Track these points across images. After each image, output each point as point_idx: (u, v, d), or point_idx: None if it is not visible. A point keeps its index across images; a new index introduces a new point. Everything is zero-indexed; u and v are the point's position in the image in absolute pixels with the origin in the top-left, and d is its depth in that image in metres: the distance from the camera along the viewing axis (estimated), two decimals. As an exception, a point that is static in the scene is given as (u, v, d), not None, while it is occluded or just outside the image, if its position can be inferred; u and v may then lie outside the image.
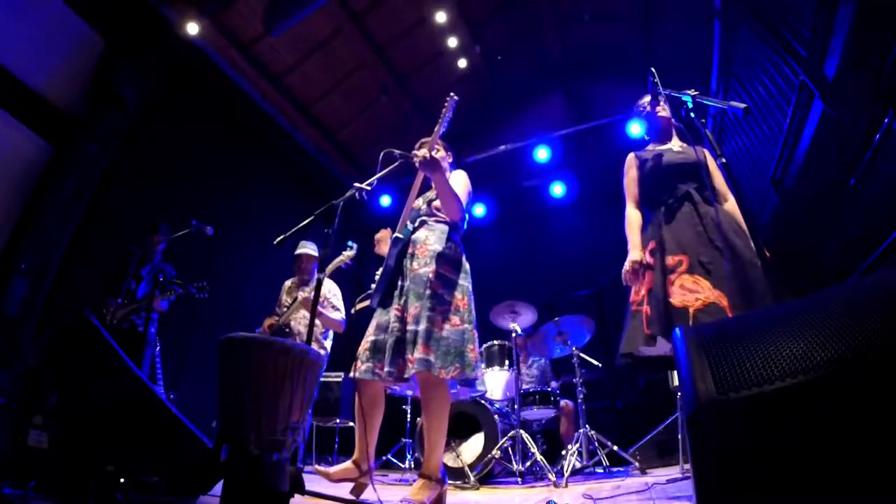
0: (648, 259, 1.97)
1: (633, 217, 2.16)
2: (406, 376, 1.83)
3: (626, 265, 1.99)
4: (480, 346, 3.71)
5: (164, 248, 3.74)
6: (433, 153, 2.00)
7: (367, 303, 2.14)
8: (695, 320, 1.70)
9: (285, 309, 3.59)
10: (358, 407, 1.95)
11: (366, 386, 1.95)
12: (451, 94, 2.05)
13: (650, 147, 2.31)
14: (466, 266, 2.08)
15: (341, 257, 3.17)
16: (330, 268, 3.14)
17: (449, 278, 1.98)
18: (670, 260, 1.88)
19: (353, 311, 3.35)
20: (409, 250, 2.06)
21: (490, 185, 6.55)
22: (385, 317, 1.98)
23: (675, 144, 2.23)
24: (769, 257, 1.88)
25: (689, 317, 1.72)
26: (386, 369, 1.86)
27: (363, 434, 1.95)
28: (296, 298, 3.49)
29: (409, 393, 3.92)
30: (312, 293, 3.15)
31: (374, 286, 2.08)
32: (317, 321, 3.40)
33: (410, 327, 1.87)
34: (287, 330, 3.53)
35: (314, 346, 3.44)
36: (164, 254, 3.75)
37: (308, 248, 3.79)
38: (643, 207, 2.18)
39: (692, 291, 1.77)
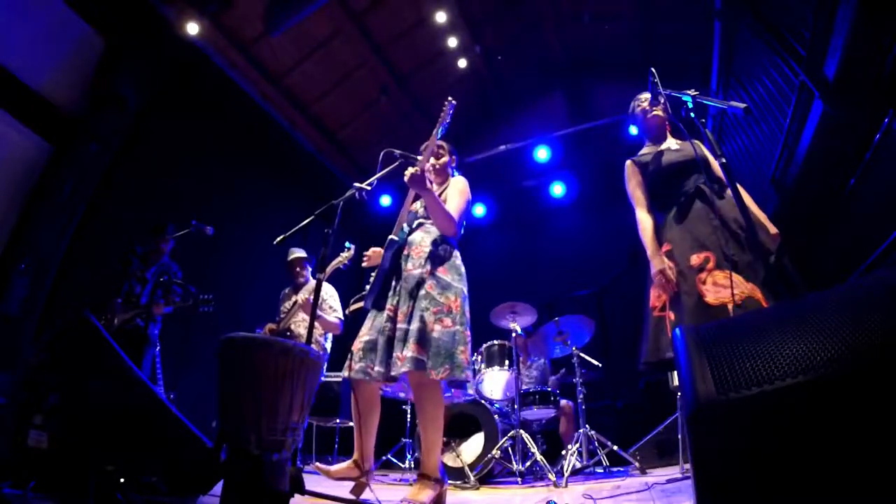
0: (669, 263, 1.95)
1: (645, 223, 2.13)
2: (394, 374, 1.83)
3: (654, 278, 1.96)
4: (480, 346, 3.74)
5: (171, 249, 3.72)
6: (435, 159, 2.00)
7: (360, 304, 2.14)
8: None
9: (283, 315, 3.61)
10: (355, 408, 1.96)
11: (361, 386, 1.96)
12: (450, 98, 2.05)
13: (646, 150, 2.30)
14: (461, 268, 2.08)
15: (339, 258, 3.17)
16: (328, 269, 3.15)
17: (442, 279, 1.97)
18: (695, 259, 1.85)
19: (347, 311, 3.35)
20: (405, 252, 2.07)
21: (490, 185, 6.55)
22: (379, 317, 1.99)
23: (672, 143, 2.22)
24: (777, 235, 1.87)
25: (728, 313, 1.68)
26: (376, 369, 1.86)
27: (361, 434, 1.96)
28: (295, 302, 3.50)
29: (402, 395, 3.92)
30: (310, 296, 3.17)
31: (368, 287, 2.09)
32: (316, 322, 3.42)
33: (401, 326, 1.87)
34: (288, 333, 3.55)
35: (314, 347, 3.45)
36: (170, 254, 3.74)
37: (297, 252, 3.82)
38: (653, 211, 2.17)
39: (727, 287, 1.74)
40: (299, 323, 3.61)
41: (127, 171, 4.11)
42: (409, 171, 1.96)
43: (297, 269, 3.80)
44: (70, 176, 3.71)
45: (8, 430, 1.54)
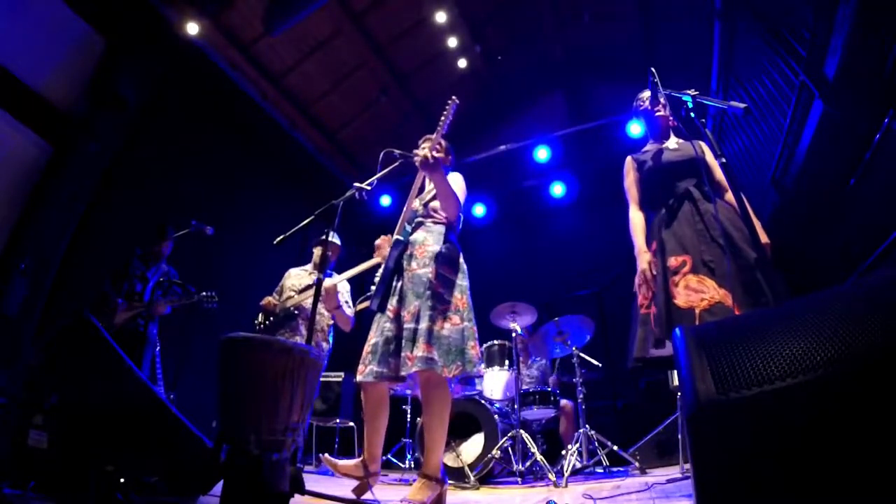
0: (654, 261, 1.96)
1: (636, 220, 2.15)
2: (403, 374, 1.83)
3: (638, 275, 1.98)
4: (481, 346, 3.73)
5: (170, 251, 3.71)
6: (434, 153, 2.00)
7: (366, 304, 2.14)
8: (700, 321, 1.68)
9: (292, 293, 3.52)
10: (363, 409, 1.97)
11: (370, 389, 1.96)
12: (453, 97, 2.05)
13: (647, 147, 2.30)
14: (464, 266, 2.09)
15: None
16: (355, 271, 3.07)
17: (448, 278, 1.98)
18: (673, 261, 1.87)
19: (353, 312, 3.34)
20: (408, 251, 2.07)
21: (490, 185, 6.55)
22: (383, 319, 1.99)
23: (672, 142, 2.22)
24: (769, 245, 1.88)
25: (694, 317, 1.70)
26: (377, 369, 1.86)
27: (369, 435, 1.96)
28: (310, 285, 3.42)
29: (409, 392, 3.92)
30: (336, 283, 3.09)
31: (373, 288, 2.09)
32: (325, 314, 3.38)
33: (409, 325, 1.87)
34: (296, 312, 3.46)
35: (318, 335, 3.42)
36: (169, 257, 3.73)
37: (337, 239, 3.70)
38: (645, 209, 2.18)
39: (697, 291, 1.75)
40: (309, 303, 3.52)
41: (127, 171, 4.11)
42: (422, 152, 1.95)
43: (333, 254, 3.70)
44: (70, 176, 3.71)
45: (8, 430, 1.54)
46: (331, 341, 3.61)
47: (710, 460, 0.71)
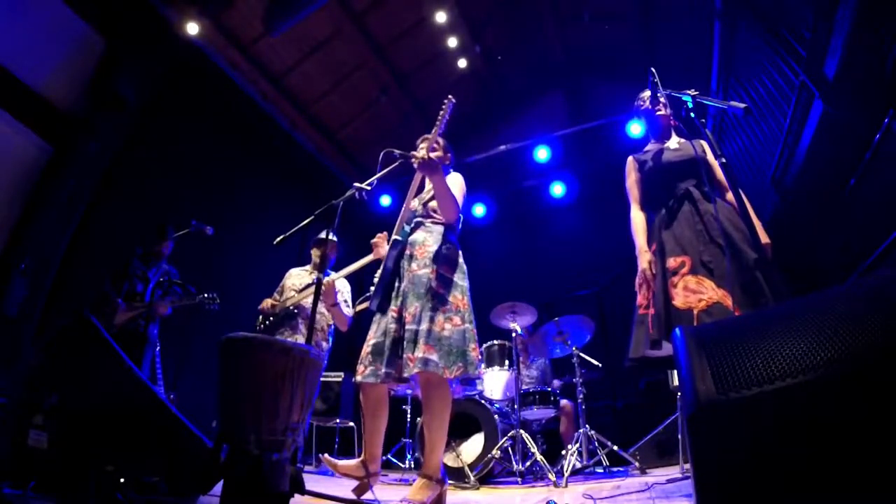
0: (653, 261, 1.96)
1: (637, 220, 2.15)
2: (405, 375, 1.83)
3: (639, 275, 1.98)
4: (480, 345, 3.73)
5: (171, 251, 3.71)
6: (432, 154, 2.00)
7: (366, 304, 2.14)
8: (698, 321, 1.69)
9: (293, 293, 3.53)
10: (363, 410, 1.97)
11: (369, 389, 1.96)
12: (449, 96, 2.05)
13: (649, 147, 2.30)
14: (464, 266, 2.09)
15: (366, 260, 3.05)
16: (351, 269, 3.06)
17: (448, 279, 1.98)
18: (672, 262, 1.87)
19: (353, 312, 3.34)
20: (408, 252, 2.07)
21: (490, 185, 6.55)
22: (384, 320, 1.99)
23: (673, 142, 2.22)
24: (769, 245, 1.87)
25: (692, 318, 1.70)
26: (383, 370, 1.86)
27: (369, 436, 1.96)
28: (310, 283, 3.41)
29: (409, 392, 3.92)
30: (335, 280, 3.08)
31: (373, 288, 2.09)
32: (326, 313, 3.38)
33: (410, 326, 1.87)
34: (296, 311, 3.46)
35: (318, 335, 3.42)
36: (169, 256, 3.73)
37: (333, 236, 3.70)
38: (646, 209, 2.18)
39: (696, 292, 1.76)
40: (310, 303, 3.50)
41: (127, 171, 4.11)
42: (420, 154, 1.96)
43: (331, 252, 3.67)
44: (70, 176, 3.70)
45: (8, 430, 1.54)
46: (331, 341, 3.61)
47: (710, 460, 0.71)
